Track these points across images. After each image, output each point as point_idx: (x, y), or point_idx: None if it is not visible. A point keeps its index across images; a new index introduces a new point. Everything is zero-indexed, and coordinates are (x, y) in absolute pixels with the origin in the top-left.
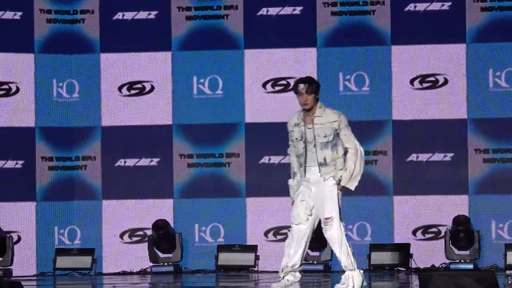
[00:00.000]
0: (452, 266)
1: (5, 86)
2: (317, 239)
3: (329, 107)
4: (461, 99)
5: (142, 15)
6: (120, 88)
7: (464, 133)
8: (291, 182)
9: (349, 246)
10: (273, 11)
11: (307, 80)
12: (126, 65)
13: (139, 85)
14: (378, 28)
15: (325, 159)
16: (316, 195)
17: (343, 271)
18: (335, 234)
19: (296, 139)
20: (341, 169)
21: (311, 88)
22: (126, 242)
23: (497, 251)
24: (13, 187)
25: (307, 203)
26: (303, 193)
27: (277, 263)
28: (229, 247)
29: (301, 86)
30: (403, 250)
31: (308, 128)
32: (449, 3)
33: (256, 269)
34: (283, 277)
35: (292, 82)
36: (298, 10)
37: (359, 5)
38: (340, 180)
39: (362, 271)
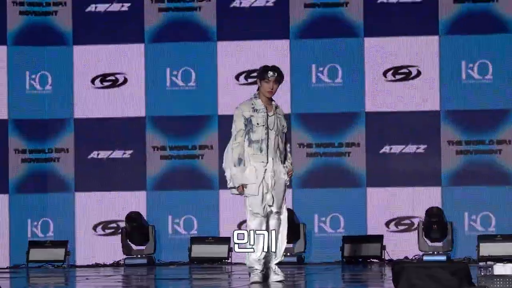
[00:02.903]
0: (425, 258)
1: None
2: (290, 231)
3: None
4: (434, 91)
5: (115, 7)
6: (93, 80)
7: (437, 125)
8: (235, 170)
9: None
10: (246, 3)
11: (277, 69)
12: (99, 57)
13: (112, 77)
14: (351, 20)
15: (284, 149)
16: (274, 187)
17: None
18: (278, 225)
19: (258, 124)
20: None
21: (279, 78)
22: (99, 235)
23: (470, 243)
24: None
25: (270, 195)
26: (266, 185)
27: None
28: (203, 239)
29: (271, 73)
30: (376, 242)
31: (270, 115)
32: None
33: (229, 261)
34: (261, 270)
35: None
36: (271, 2)
37: None
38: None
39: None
